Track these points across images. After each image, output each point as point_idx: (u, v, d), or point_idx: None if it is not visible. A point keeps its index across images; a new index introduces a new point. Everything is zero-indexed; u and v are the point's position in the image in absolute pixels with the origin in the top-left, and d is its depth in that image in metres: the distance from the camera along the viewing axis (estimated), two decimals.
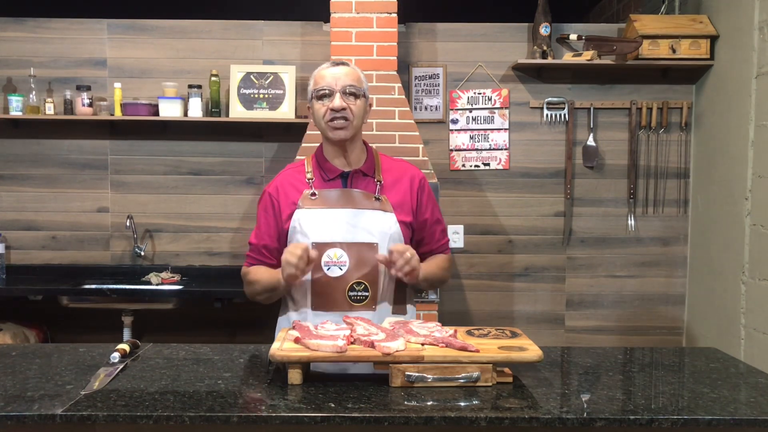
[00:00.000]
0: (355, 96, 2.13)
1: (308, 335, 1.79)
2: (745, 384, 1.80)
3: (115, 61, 4.20)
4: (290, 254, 2.00)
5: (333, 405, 1.57)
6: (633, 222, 4.22)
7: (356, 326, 1.87)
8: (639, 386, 1.80)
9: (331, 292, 2.12)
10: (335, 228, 2.13)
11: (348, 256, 2.11)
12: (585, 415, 1.54)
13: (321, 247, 2.11)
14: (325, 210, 2.16)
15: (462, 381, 1.69)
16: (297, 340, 1.77)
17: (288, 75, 4.07)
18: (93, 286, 3.93)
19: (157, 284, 4.00)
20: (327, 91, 2.12)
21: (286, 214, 2.19)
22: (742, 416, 1.54)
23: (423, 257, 2.23)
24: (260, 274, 2.20)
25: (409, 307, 2.29)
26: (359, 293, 2.13)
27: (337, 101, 2.10)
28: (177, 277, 4.07)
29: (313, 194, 2.17)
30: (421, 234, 2.26)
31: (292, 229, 2.18)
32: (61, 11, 4.25)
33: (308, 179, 2.19)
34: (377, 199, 2.17)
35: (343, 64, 2.18)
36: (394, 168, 2.26)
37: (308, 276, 2.10)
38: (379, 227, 2.14)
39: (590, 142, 4.20)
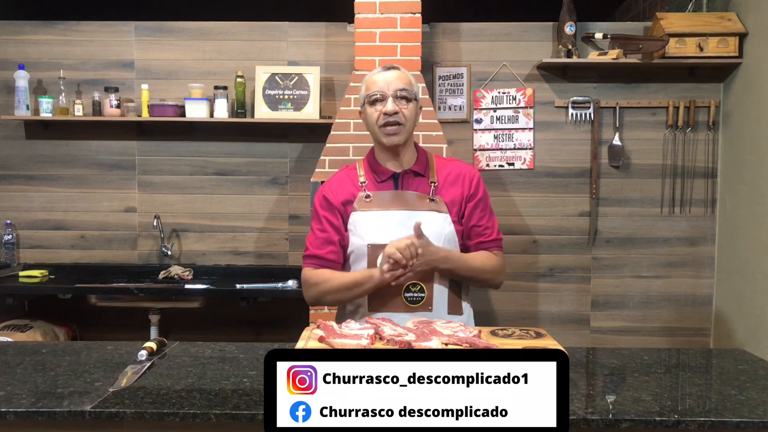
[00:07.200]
0: (407, 100, 2.15)
1: (332, 334, 1.80)
2: None
3: (142, 63, 4.26)
4: (395, 248, 2.00)
5: None
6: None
7: (382, 327, 1.87)
8: (665, 387, 1.78)
9: (388, 293, 2.13)
10: (390, 230, 2.13)
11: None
12: (610, 416, 1.53)
13: (376, 249, 2.12)
14: (379, 212, 2.18)
15: None
16: (321, 339, 1.78)
17: (312, 76, 4.09)
18: (121, 285, 3.98)
19: (175, 274, 4.07)
20: (379, 96, 2.14)
21: (342, 215, 2.20)
22: None
23: (473, 249, 2.25)
24: (331, 273, 2.19)
25: (465, 306, 2.26)
26: (415, 294, 2.13)
27: (390, 105, 2.12)
28: (189, 274, 4.12)
29: (368, 196, 2.19)
30: (468, 228, 2.25)
31: (348, 232, 2.20)
32: (90, 14, 4.31)
33: (361, 182, 2.21)
34: (432, 200, 2.18)
35: (393, 68, 2.20)
36: (448, 167, 2.26)
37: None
38: (432, 228, 2.13)
39: (616, 141, 4.16)
